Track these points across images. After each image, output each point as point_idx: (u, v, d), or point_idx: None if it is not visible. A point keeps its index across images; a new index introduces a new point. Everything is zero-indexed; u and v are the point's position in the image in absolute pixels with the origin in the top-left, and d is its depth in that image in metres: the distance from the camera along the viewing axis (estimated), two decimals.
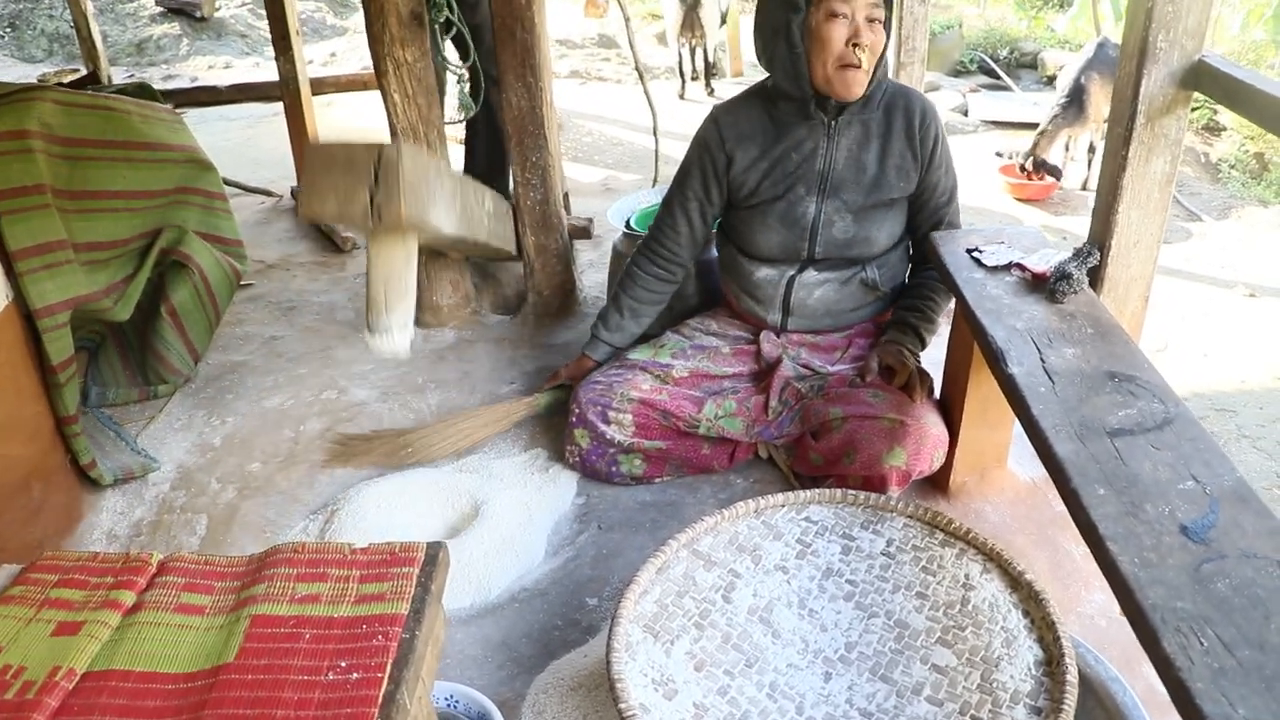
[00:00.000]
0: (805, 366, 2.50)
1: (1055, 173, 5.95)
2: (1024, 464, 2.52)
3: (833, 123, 2.35)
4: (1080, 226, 5.62)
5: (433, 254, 3.16)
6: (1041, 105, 7.05)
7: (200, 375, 3.09)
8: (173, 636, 1.31)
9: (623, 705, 1.60)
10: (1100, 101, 5.84)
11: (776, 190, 2.41)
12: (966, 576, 1.82)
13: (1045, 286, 2.10)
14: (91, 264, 2.54)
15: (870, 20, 2.19)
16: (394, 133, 2.83)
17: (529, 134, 2.97)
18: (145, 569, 1.41)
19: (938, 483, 2.41)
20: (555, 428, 2.77)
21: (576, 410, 2.52)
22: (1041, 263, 2.16)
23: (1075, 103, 5.94)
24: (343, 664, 1.23)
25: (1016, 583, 1.79)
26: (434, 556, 1.38)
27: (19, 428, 2.26)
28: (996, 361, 1.93)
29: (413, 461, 2.61)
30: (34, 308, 2.27)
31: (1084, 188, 6.26)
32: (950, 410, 2.38)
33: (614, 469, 2.55)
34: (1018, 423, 1.96)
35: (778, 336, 2.57)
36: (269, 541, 2.39)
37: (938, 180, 2.42)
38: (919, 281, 2.56)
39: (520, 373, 3.05)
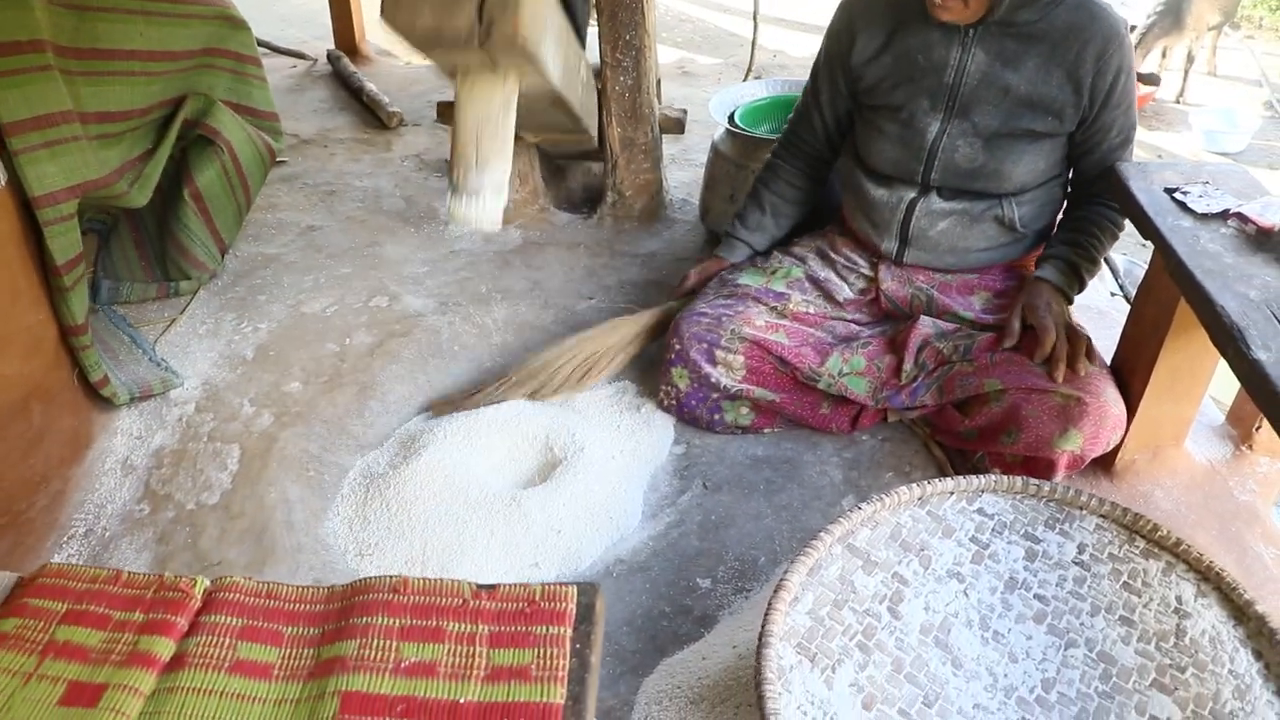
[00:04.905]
0: (945, 311, 2.08)
1: (1153, 80, 5.42)
2: (1200, 443, 2.12)
3: (970, 31, 1.90)
4: (1175, 144, 5.12)
5: None
6: (1134, 9, 6.45)
7: (228, 270, 2.66)
8: (231, 713, 0.93)
9: None
10: (1201, 10, 5.34)
11: (897, 97, 2.00)
12: (1179, 600, 1.50)
13: (1275, 243, 1.70)
14: (102, 138, 2.09)
15: None
16: None
17: (623, 6, 2.49)
18: (187, 601, 1.03)
19: (1102, 460, 2.00)
20: (643, 356, 2.37)
21: (677, 346, 2.12)
22: (1269, 213, 1.75)
23: (1172, 11, 5.46)
24: None
25: (1242, 613, 1.48)
26: (589, 607, 1.00)
27: (15, 340, 1.86)
28: (1230, 341, 1.53)
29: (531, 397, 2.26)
30: (33, 195, 1.84)
31: (1178, 101, 5.74)
32: (1130, 379, 1.97)
33: (716, 416, 2.16)
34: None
35: (897, 268, 2.15)
36: (313, 483, 2.02)
37: (1113, 121, 1.94)
38: (1081, 214, 2.07)
39: (599, 286, 2.62)
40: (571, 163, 3.10)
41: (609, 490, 2.01)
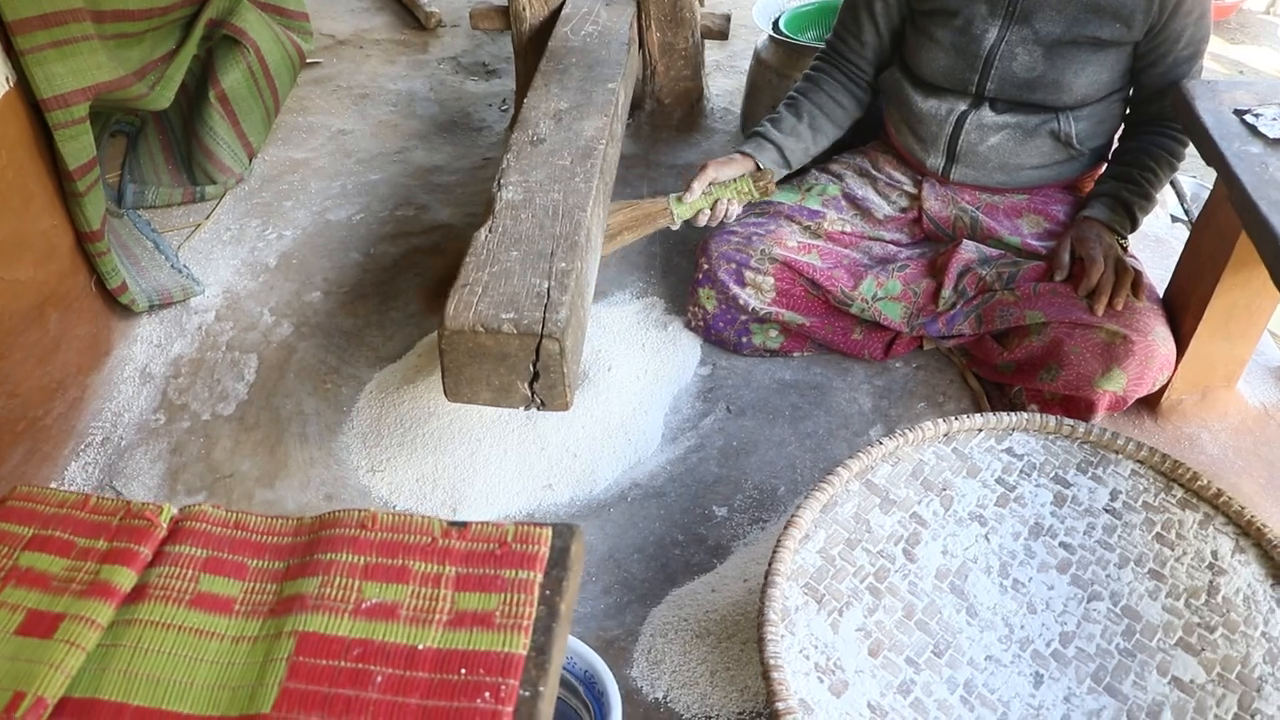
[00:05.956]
0: (989, 236, 1.96)
1: None
2: (1255, 385, 2.01)
3: None
4: (1260, 59, 4.80)
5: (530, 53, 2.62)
6: None
7: (255, 174, 2.62)
8: (187, 649, 0.90)
9: (780, 705, 1.22)
10: None
11: (953, 2, 1.85)
12: (1214, 555, 1.43)
13: None
14: (120, 38, 2.04)
15: None
16: None
17: None
18: (152, 529, 0.99)
19: (1147, 399, 1.89)
20: (675, 271, 2.29)
21: (705, 265, 2.03)
22: None
23: None
24: None
25: None
26: (564, 551, 0.95)
27: (28, 246, 1.83)
28: None
29: None
30: (41, 97, 1.79)
31: (1268, 12, 5.35)
32: (1181, 314, 1.85)
33: (744, 339, 2.08)
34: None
35: (942, 186, 2.03)
36: (329, 396, 1.99)
37: (1182, 30, 1.78)
38: (1137, 145, 1.94)
39: (632, 197, 2.53)
40: None
41: (629, 411, 1.96)
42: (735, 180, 1.98)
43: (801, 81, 2.12)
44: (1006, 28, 1.82)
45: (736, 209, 1.99)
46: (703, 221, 2.00)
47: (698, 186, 1.95)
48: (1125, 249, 1.90)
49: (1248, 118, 1.69)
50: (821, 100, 2.07)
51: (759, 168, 2.00)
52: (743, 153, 2.01)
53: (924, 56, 1.93)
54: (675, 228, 2.02)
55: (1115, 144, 2.00)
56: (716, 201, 1.97)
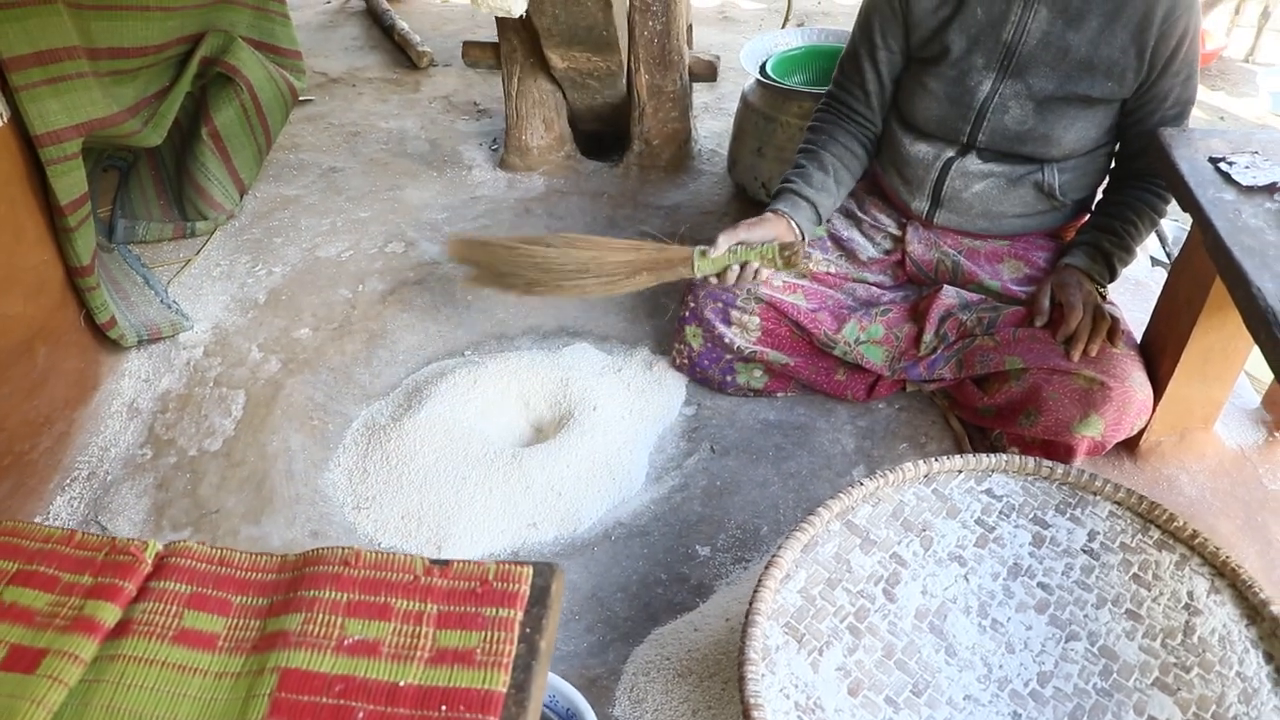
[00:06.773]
0: (970, 281, 1.99)
1: None
2: (1231, 427, 2.03)
3: None
4: (1238, 107, 4.88)
5: (523, 85, 2.64)
6: None
7: (246, 211, 2.64)
8: (170, 685, 0.90)
9: None
10: None
11: (950, 52, 1.87)
12: (1190, 595, 1.44)
13: None
14: (115, 75, 2.06)
15: None
16: None
17: None
18: (137, 565, 1.00)
19: (1126, 441, 1.91)
20: (661, 310, 2.31)
21: (691, 304, 2.06)
22: None
23: None
24: None
25: (1256, 612, 1.40)
26: (544, 589, 0.96)
27: (19, 280, 1.84)
28: (1264, 325, 1.43)
29: (538, 292, 2.01)
30: (35, 133, 1.81)
31: (1247, 60, 5.43)
32: (1159, 358, 1.87)
33: (728, 378, 2.10)
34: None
35: (925, 230, 2.05)
36: (316, 433, 2.00)
37: (1170, 90, 1.82)
38: (1121, 198, 1.96)
39: (619, 237, 2.56)
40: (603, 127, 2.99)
41: (614, 451, 1.97)
42: (762, 245, 1.86)
43: (812, 133, 2.06)
44: (1000, 81, 1.84)
45: (764, 274, 1.89)
46: (731, 280, 1.88)
47: (724, 242, 1.85)
48: (1104, 297, 1.93)
49: (1222, 165, 1.72)
50: (840, 152, 2.02)
51: (797, 228, 1.92)
52: (776, 211, 1.93)
53: (918, 106, 1.95)
54: (696, 279, 1.92)
55: (1099, 196, 2.03)
56: (745, 264, 1.85)
